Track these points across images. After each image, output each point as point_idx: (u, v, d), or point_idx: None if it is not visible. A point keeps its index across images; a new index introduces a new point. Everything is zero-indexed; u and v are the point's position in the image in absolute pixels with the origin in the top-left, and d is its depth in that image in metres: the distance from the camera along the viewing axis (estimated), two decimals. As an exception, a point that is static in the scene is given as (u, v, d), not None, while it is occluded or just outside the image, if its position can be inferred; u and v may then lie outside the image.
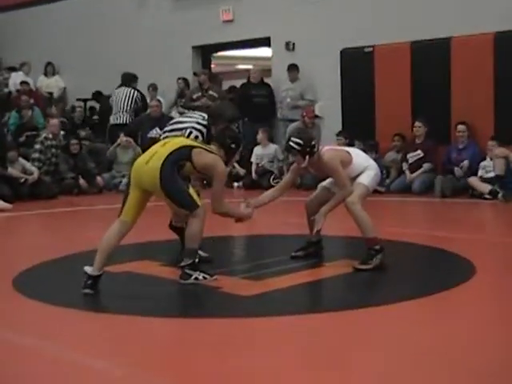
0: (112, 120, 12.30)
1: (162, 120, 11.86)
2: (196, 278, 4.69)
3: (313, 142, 5.11)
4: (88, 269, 4.49)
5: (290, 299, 4.42)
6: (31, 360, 3.40)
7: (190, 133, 5.29)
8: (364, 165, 5.31)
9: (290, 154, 5.19)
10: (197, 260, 4.75)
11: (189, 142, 4.86)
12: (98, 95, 13.66)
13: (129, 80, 12.34)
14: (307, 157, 5.07)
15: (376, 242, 5.10)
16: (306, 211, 5.46)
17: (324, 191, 5.41)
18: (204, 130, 5.31)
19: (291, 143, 5.09)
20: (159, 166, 4.53)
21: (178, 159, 4.60)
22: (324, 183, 5.50)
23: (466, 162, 9.57)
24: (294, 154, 5.11)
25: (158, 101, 12.12)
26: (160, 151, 4.65)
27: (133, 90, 12.24)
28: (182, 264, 4.71)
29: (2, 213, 8.93)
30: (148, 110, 11.99)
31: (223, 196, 4.77)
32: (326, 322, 3.91)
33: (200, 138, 5.25)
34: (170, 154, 4.59)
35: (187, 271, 4.70)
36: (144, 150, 4.92)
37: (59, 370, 3.27)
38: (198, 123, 5.34)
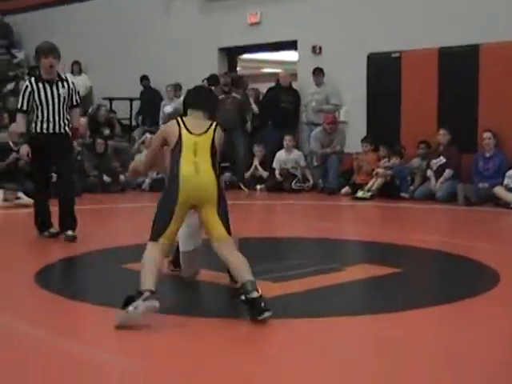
0: None
1: None
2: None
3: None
4: None
5: (307, 302, 4.38)
6: (46, 354, 3.40)
7: None
8: None
9: None
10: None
11: None
12: (144, 79, 13.68)
13: (214, 81, 12.51)
14: None
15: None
16: None
17: None
18: None
19: None
20: None
21: None
22: None
23: (485, 185, 9.44)
24: None
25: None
26: None
27: None
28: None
29: (27, 208, 9.00)
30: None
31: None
32: (344, 327, 3.87)
33: None
34: None
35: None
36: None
37: (75, 364, 3.28)
38: None
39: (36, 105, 6.43)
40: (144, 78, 13.69)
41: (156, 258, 3.93)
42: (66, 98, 6.53)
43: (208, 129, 4.17)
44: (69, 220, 6.49)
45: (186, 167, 4.02)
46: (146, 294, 3.71)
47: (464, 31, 10.11)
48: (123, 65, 14.24)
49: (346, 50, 11.38)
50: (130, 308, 3.65)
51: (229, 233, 4.04)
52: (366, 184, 10.32)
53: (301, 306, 4.30)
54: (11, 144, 10.13)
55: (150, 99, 13.56)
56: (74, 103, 6.63)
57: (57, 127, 6.48)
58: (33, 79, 6.54)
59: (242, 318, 3.90)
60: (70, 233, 6.41)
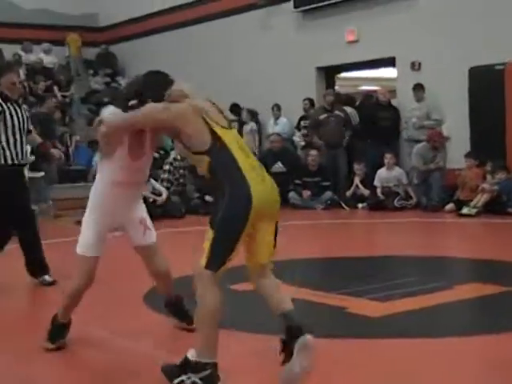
0: None
1: (285, 154, 12.12)
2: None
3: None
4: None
5: (417, 322, 4.31)
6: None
7: None
8: None
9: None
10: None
11: None
12: (235, 107, 13.78)
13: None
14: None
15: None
16: None
17: None
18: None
19: None
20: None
21: None
22: None
23: None
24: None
25: (278, 134, 12.41)
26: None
27: None
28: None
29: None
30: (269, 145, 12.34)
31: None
32: (455, 347, 3.78)
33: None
34: None
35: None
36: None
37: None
38: None
39: (4, 129, 5.49)
40: (234, 106, 13.73)
41: (219, 306, 3.14)
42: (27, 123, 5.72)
43: (224, 116, 3.30)
44: (39, 264, 5.70)
45: (249, 175, 3.10)
46: (207, 371, 3.06)
47: None
48: (221, 84, 14.40)
49: (447, 64, 11.16)
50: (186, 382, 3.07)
51: None
52: (471, 200, 10.05)
53: (410, 326, 4.24)
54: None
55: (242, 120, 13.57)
56: (31, 128, 5.82)
57: (23, 156, 5.64)
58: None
59: (346, 337, 3.89)
60: (47, 277, 5.66)
